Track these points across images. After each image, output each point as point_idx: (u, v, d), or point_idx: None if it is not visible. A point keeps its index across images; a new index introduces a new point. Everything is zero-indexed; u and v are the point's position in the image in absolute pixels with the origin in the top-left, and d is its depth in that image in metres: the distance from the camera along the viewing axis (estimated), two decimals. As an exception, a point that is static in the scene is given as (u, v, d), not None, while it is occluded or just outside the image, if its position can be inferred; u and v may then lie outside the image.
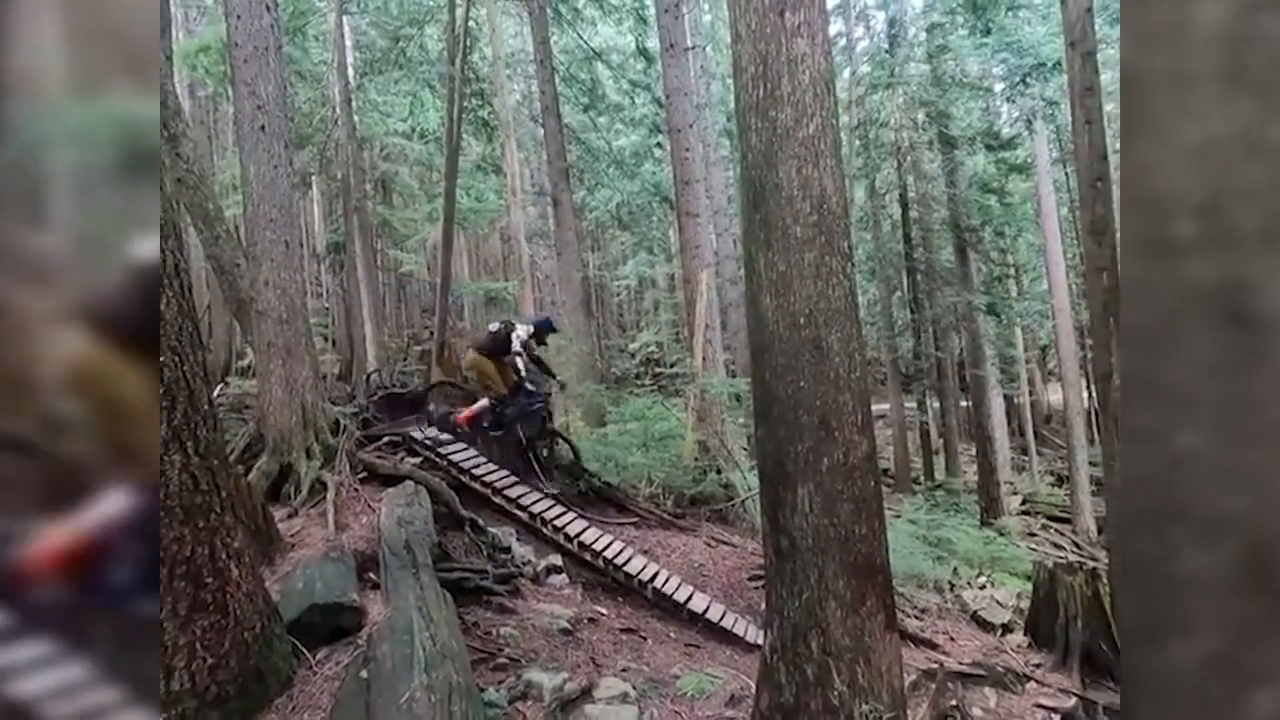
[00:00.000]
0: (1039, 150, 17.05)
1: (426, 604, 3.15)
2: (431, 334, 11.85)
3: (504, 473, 6.08)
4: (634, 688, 3.58)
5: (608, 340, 23.16)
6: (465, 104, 11.54)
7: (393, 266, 20.61)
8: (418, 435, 6.01)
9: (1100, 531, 16.04)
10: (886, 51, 16.30)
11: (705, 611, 5.20)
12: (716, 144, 17.19)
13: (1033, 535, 15.43)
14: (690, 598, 5.33)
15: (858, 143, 17.57)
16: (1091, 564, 7.05)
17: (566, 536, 5.55)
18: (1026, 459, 21.81)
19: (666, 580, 5.47)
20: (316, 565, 3.67)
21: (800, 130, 2.01)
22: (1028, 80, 13.07)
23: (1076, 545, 15.05)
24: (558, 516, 5.75)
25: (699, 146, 13.39)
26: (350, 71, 13.81)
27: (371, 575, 4.00)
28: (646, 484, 7.95)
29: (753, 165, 2.09)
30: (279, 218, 5.24)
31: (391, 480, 5.20)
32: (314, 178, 17.26)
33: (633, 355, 21.95)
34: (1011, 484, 18.35)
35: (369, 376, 7.26)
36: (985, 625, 6.94)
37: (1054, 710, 4.50)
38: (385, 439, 5.99)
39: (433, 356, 7.14)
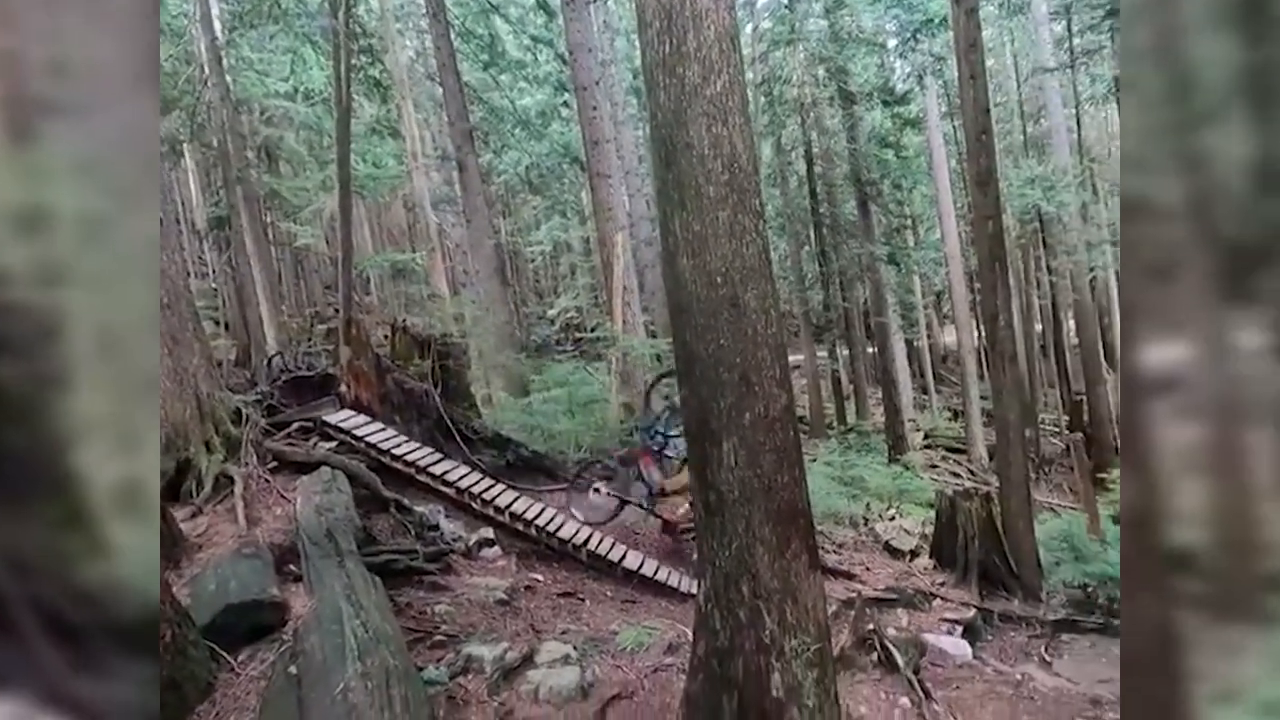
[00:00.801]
0: (929, 105, 17.88)
1: (354, 590, 3.06)
2: (337, 311, 11.18)
3: (426, 450, 5.91)
4: (575, 649, 3.65)
5: (525, 308, 22.71)
6: (353, 61, 10.70)
7: (287, 240, 19.17)
8: (330, 419, 5.72)
9: (991, 459, 17.72)
10: (786, 7, 16.43)
11: (640, 568, 5.34)
12: (624, 102, 16.88)
13: (934, 467, 16.77)
14: (624, 556, 5.45)
15: (763, 100, 17.77)
16: (985, 489, 7.75)
17: (496, 508, 5.51)
18: (927, 398, 23.50)
19: (600, 542, 5.56)
20: (229, 564, 3.46)
21: (708, 88, 2.00)
22: (918, 36, 13.59)
23: (971, 473, 16.49)
24: (486, 489, 5.68)
25: (606, 105, 13.10)
26: (217, 25, 12.45)
27: (292, 568, 3.82)
28: (574, 449, 7.98)
29: (662, 124, 2.07)
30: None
31: (305, 468, 4.94)
32: (185, 145, 15.64)
33: (552, 322, 21.68)
34: (914, 421, 19.76)
35: (270, 360, 6.79)
36: (896, 553, 7.53)
37: (956, 622, 4.98)
38: (295, 425, 5.66)
39: (340, 335, 6.76)
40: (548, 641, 3.65)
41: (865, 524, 8.81)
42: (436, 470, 5.63)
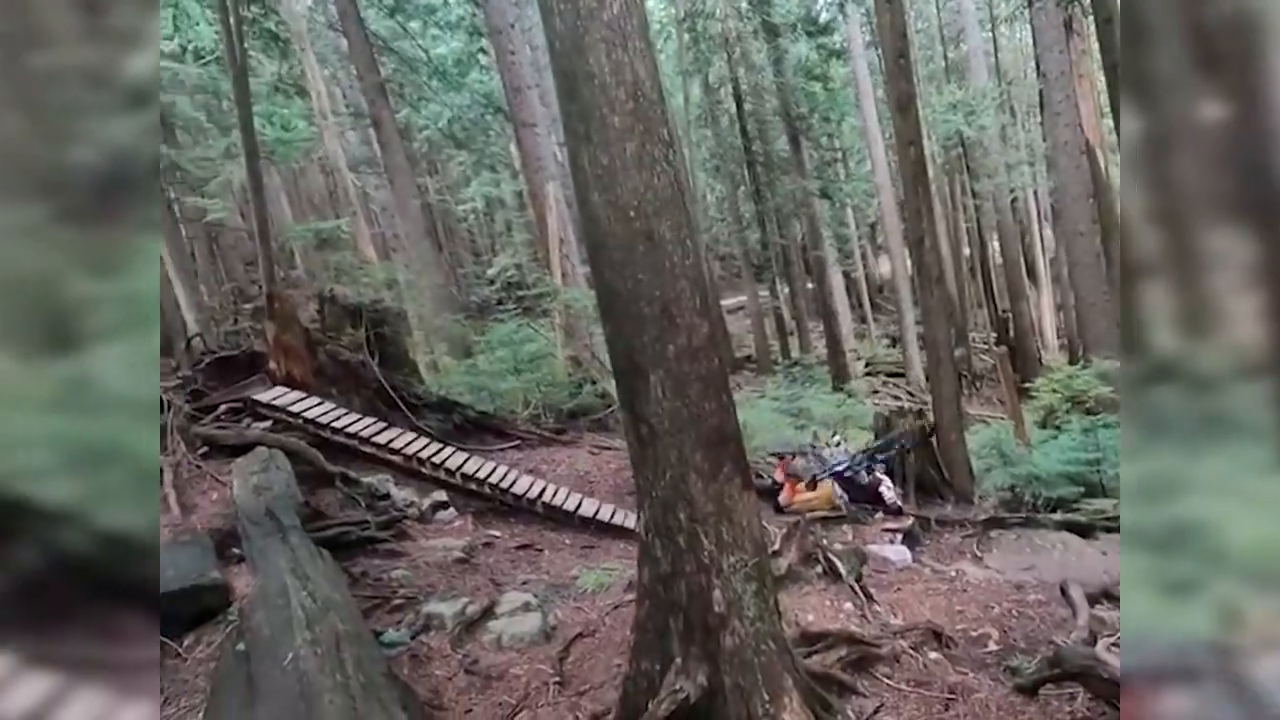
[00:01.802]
0: (853, 34, 17.81)
1: (299, 564, 3.01)
2: (260, 288, 10.61)
3: (369, 420, 5.78)
4: (535, 596, 3.72)
5: (462, 269, 22.05)
6: (244, 13, 9.83)
7: (195, 216, 17.91)
8: (262, 397, 5.49)
9: (927, 379, 18.59)
10: (703, -65, 15.88)
11: (596, 514, 5.44)
12: (545, 45, 16.12)
13: (876, 392, 17.50)
14: (580, 505, 5.53)
15: (687, 37, 17.34)
16: (919, 407, 8.15)
17: (447, 471, 5.47)
18: (866, 327, 24.30)
19: (555, 493, 5.62)
20: (165, 553, 3.34)
21: (604, 10, 1.92)
22: (836, -39, 13.37)
23: (910, 394, 17.30)
24: (435, 454, 5.62)
25: (525, 49, 12.54)
26: (80, -21, 11.20)
27: (235, 550, 3.72)
28: (524, 407, 7.95)
29: (561, 54, 1.99)
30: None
31: (240, 450, 4.76)
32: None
33: (492, 281, 21.18)
34: (855, 351, 20.47)
35: (189, 342, 6.43)
36: None
37: (896, 531, 5.30)
38: (223, 407, 5.42)
39: (266, 312, 6.45)
40: (508, 592, 3.71)
41: (812, 450, 9.17)
42: (381, 439, 5.53)
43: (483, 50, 15.98)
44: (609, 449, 7.16)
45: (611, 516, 5.46)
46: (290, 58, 14.09)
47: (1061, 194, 11.88)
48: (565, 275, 10.90)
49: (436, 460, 5.53)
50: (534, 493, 5.52)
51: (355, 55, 12.15)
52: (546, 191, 10.97)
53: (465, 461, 5.68)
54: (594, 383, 9.50)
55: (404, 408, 6.60)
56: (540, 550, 4.89)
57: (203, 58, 14.34)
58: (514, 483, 5.59)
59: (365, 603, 3.45)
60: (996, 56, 19.64)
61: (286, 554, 3.18)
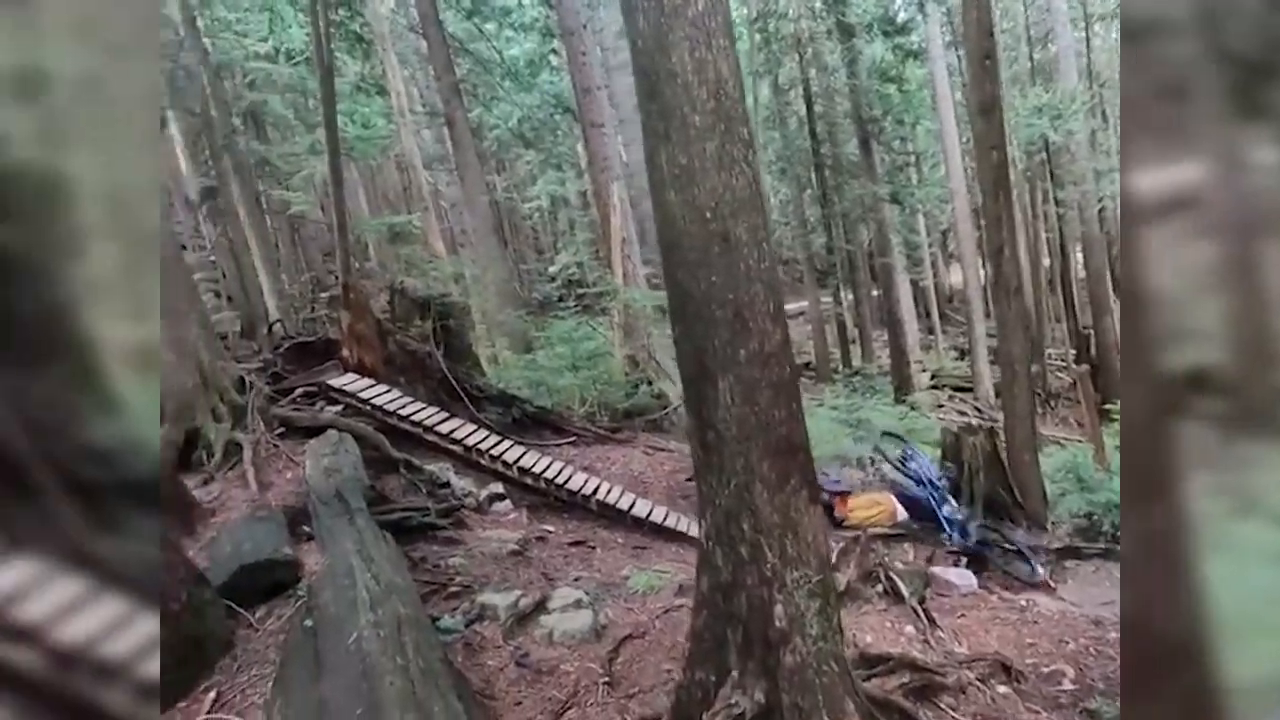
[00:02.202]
0: (931, 35, 17.18)
1: (365, 546, 3.11)
2: (336, 278, 11.11)
3: (432, 410, 5.94)
4: (587, 594, 3.73)
5: (525, 265, 22.48)
6: (332, 16, 10.33)
7: (280, 208, 18.96)
8: (335, 383, 5.74)
9: (997, 395, 17.77)
10: (779, -67, 15.64)
11: (649, 515, 5.42)
12: (615, 47, 16.30)
13: (941, 406, 16.81)
14: (633, 504, 5.53)
15: (758, 37, 17.12)
16: (990, 424, 7.76)
17: (505, 464, 5.56)
18: (933, 338, 23.40)
19: (609, 491, 5.63)
20: (243, 526, 3.52)
21: (689, 8, 1.89)
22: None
23: (978, 410, 16.54)
24: (494, 446, 5.73)
25: (596, 50, 12.67)
26: (188, -16, 12.01)
27: (305, 528, 3.89)
28: (580, 404, 8.01)
29: (643, 51, 1.97)
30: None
31: (312, 432, 4.98)
32: (169, 113, 15.30)
33: (553, 279, 21.53)
34: (921, 362, 19.74)
35: (270, 328, 6.78)
36: None
37: (962, 553, 5.06)
38: (299, 390, 5.69)
39: (341, 301, 6.73)
40: (560, 588, 3.73)
41: (873, 464, 8.89)
42: (443, 429, 5.68)
43: (554, 52, 16.24)
44: (663, 450, 7.14)
45: (665, 519, 5.43)
46: (372, 58, 14.66)
47: (1157, 204, 11.07)
48: (626, 275, 10.93)
49: (495, 452, 5.64)
50: (588, 490, 5.55)
51: (433, 56, 12.54)
52: (611, 191, 11.03)
53: (522, 455, 5.77)
54: (650, 383, 9.50)
55: (466, 399, 6.77)
56: (592, 548, 4.91)
57: (294, 59, 15.11)
58: (569, 479, 5.64)
59: (424, 588, 3.54)
60: (1089, 57, 18.53)
61: (353, 535, 3.29)
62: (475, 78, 16.83)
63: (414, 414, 5.72)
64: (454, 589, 3.59)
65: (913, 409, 13.60)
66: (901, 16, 16.34)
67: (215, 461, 4.59)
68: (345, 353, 6.43)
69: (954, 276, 29.60)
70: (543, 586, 3.84)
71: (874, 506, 5.83)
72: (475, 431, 5.89)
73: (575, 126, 15.99)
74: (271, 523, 3.66)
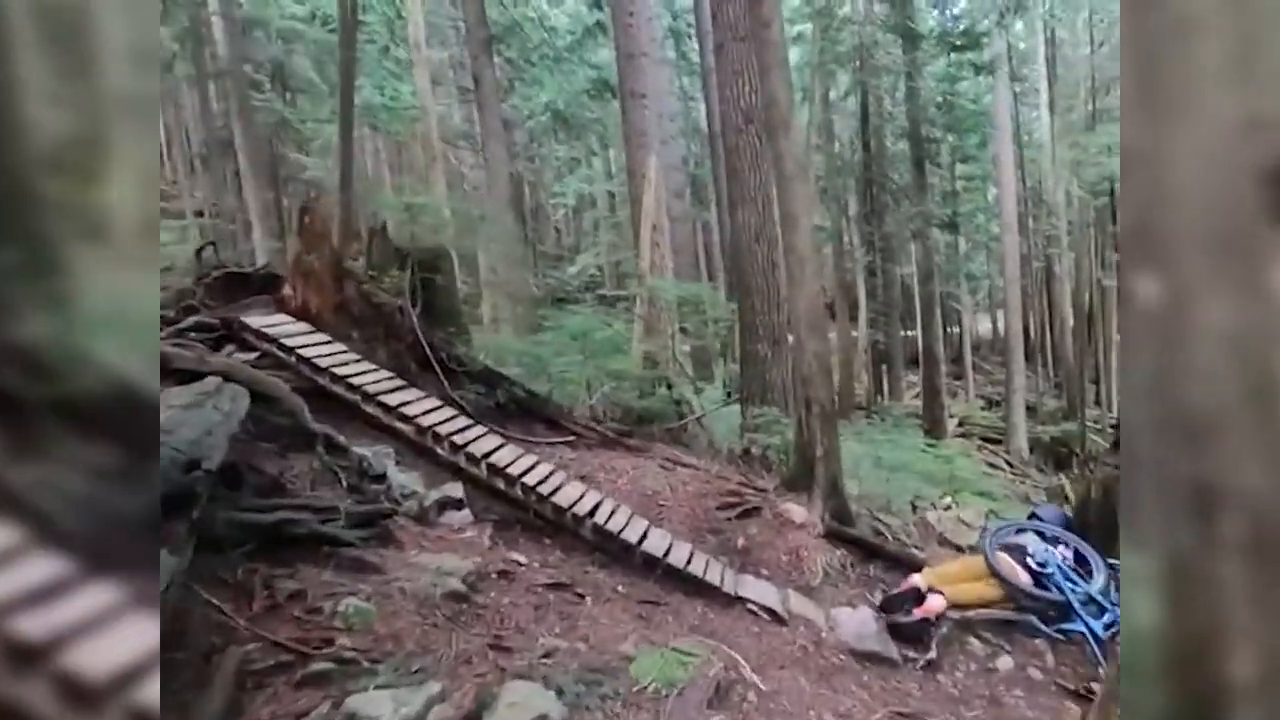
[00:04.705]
0: (999, 51, 15.66)
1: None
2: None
3: (384, 375, 4.36)
4: (559, 693, 2.09)
5: (542, 246, 21.25)
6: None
7: (294, 173, 17.89)
8: (253, 321, 4.17)
9: (1031, 451, 16.16)
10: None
11: (666, 554, 3.76)
12: (662, 41, 14.94)
13: (969, 456, 15.16)
14: (644, 535, 3.88)
15: (806, 48, 15.74)
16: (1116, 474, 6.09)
17: (471, 457, 3.95)
18: (960, 384, 21.78)
19: (612, 513, 3.99)
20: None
21: None
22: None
23: (1009, 464, 14.92)
24: (460, 430, 4.13)
25: (645, 11, 11.35)
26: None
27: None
28: (586, 392, 6.41)
29: None
30: None
31: (194, 379, 3.41)
32: (177, 60, 14.26)
33: (570, 282, 20.22)
34: (946, 407, 18.16)
35: (199, 252, 5.29)
36: (956, 549, 6.07)
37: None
38: (190, 323, 4.12)
39: (295, 226, 5.24)
40: (511, 681, 2.08)
41: (915, 512, 7.23)
42: (392, 400, 4.08)
43: (600, 25, 15.07)
44: (686, 466, 5.45)
45: (689, 562, 3.77)
46: (404, 26, 13.76)
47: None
48: (654, 262, 9.49)
49: (460, 440, 4.03)
50: (584, 508, 3.92)
51: (466, 8, 11.49)
52: (648, 164, 9.61)
53: (498, 449, 4.16)
54: (670, 387, 7.90)
55: (439, 371, 5.19)
56: (580, 596, 3.26)
57: (329, 24, 14.33)
58: (558, 489, 4.01)
59: (269, 655, 1.93)
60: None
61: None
62: (514, 54, 15.67)
63: (356, 377, 4.14)
64: (319, 666, 1.95)
65: (965, 455, 11.87)
66: (981, 25, 14.72)
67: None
68: (287, 290, 4.88)
69: (980, 326, 27.82)
70: (484, 669, 2.20)
71: (973, 578, 4.02)
72: (439, 410, 4.29)
73: (611, 127, 14.80)
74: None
